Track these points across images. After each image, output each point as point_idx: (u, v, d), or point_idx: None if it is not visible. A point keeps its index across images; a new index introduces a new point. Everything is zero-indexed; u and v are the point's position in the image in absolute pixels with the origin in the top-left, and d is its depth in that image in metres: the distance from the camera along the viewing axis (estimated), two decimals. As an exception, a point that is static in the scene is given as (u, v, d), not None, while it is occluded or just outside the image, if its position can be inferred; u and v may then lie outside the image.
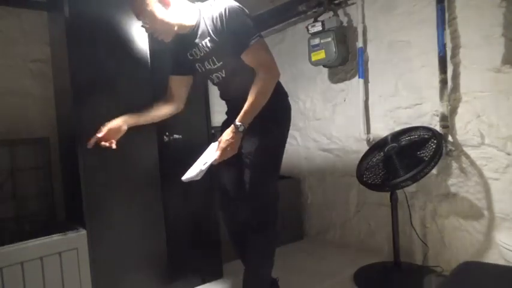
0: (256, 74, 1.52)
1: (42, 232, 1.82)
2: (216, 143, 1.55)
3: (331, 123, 2.89)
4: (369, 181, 2.13)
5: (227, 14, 1.48)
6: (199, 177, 1.50)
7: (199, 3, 1.59)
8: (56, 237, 1.65)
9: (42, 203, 1.96)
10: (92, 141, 1.57)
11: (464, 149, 2.11)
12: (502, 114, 1.97)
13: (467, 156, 2.10)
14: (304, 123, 3.12)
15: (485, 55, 1.99)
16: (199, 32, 1.56)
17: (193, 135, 2.12)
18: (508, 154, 1.96)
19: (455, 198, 2.18)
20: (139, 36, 1.96)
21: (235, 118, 1.52)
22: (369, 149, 2.37)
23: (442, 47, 2.08)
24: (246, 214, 1.66)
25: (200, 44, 1.57)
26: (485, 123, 2.03)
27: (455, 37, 2.10)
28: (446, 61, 2.10)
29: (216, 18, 1.50)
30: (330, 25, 2.59)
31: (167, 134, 2.06)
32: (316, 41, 2.63)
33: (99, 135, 1.56)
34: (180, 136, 2.10)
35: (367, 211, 2.68)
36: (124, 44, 1.93)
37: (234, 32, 1.49)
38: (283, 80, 3.23)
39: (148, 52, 1.99)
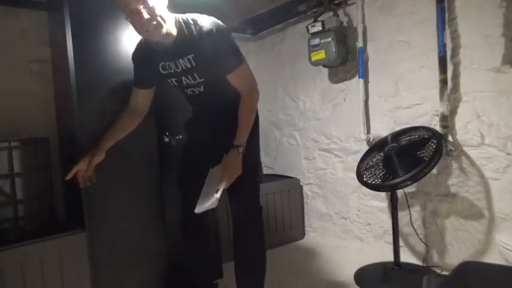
0: (240, 94, 1.58)
1: (42, 232, 1.82)
2: (216, 168, 1.61)
3: (331, 123, 2.89)
4: (369, 181, 2.13)
5: (216, 35, 1.48)
6: (215, 206, 1.53)
7: (179, 15, 1.55)
8: (56, 237, 1.65)
9: (42, 203, 1.96)
10: (71, 174, 1.58)
11: (464, 149, 2.11)
12: (502, 114, 1.97)
13: (467, 156, 2.11)
14: (304, 123, 3.12)
15: (485, 55, 1.99)
16: (180, 47, 1.53)
17: (193, 135, 2.12)
18: (508, 154, 1.96)
19: (455, 198, 2.18)
20: (139, 36, 1.95)
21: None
22: (368, 149, 2.37)
23: (442, 47, 2.08)
24: (237, 211, 1.72)
25: (180, 60, 1.55)
26: (485, 123, 2.03)
27: (455, 37, 2.10)
28: (446, 61, 2.10)
29: (203, 37, 1.48)
30: (330, 25, 2.59)
31: (167, 134, 2.06)
32: (316, 41, 2.63)
33: (77, 168, 1.58)
34: (180, 136, 2.10)
35: (367, 211, 2.68)
36: (124, 44, 1.93)
37: (222, 53, 1.50)
38: (283, 80, 3.27)
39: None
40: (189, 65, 1.56)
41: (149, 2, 1.40)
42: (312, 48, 2.67)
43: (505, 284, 1.12)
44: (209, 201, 1.52)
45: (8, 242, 1.75)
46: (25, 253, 1.57)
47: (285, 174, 3.21)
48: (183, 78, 1.61)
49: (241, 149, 1.55)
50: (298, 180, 3.10)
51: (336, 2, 2.68)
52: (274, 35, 3.29)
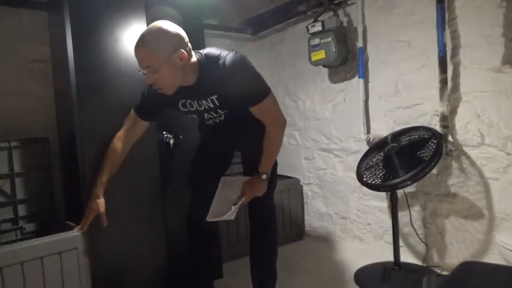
0: (264, 124, 1.56)
1: (42, 232, 1.82)
2: (229, 179, 1.72)
3: (331, 123, 2.89)
4: (369, 181, 2.13)
5: (239, 73, 1.43)
6: (232, 218, 1.61)
7: (203, 53, 1.51)
8: (56, 237, 1.65)
9: (42, 203, 1.96)
10: (85, 226, 1.67)
11: (464, 149, 2.11)
12: (502, 114, 1.97)
13: (467, 156, 2.11)
14: (304, 123, 3.12)
15: (485, 55, 1.99)
16: (203, 88, 1.51)
17: (194, 135, 2.12)
18: (508, 154, 1.96)
19: (455, 198, 2.18)
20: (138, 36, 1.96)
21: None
22: (369, 149, 2.37)
23: (442, 47, 2.08)
24: (255, 211, 1.82)
25: (203, 100, 1.54)
26: (485, 123, 2.03)
27: (455, 37, 2.10)
28: (446, 61, 2.09)
29: (226, 76, 1.43)
30: (330, 25, 2.59)
31: (167, 133, 2.06)
32: (316, 41, 2.63)
33: (88, 220, 1.66)
34: (181, 136, 2.10)
35: (367, 211, 2.68)
36: (124, 44, 1.93)
37: (246, 90, 1.47)
38: (283, 80, 3.26)
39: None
40: (212, 105, 1.56)
41: (159, 65, 1.36)
42: (312, 48, 2.67)
43: (505, 284, 1.12)
44: (226, 214, 1.58)
45: (8, 242, 1.76)
46: (25, 253, 1.57)
47: (285, 174, 3.21)
48: (205, 114, 1.62)
49: (264, 176, 1.61)
50: (298, 180, 3.10)
51: (336, 2, 2.68)
52: (274, 35, 3.29)
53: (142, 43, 1.38)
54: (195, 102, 1.57)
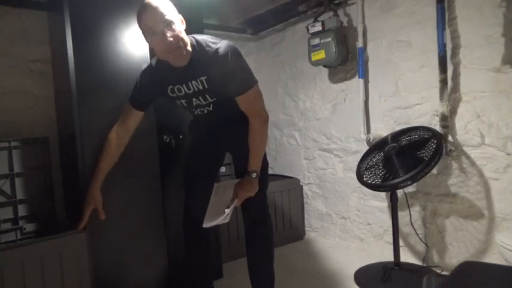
0: (248, 118, 1.59)
1: (42, 232, 1.82)
2: (223, 184, 1.72)
3: (331, 123, 2.89)
4: (369, 181, 2.13)
5: (231, 58, 1.47)
6: (227, 221, 1.60)
7: (194, 37, 1.55)
8: (56, 237, 1.65)
9: (42, 203, 1.96)
10: (83, 222, 1.65)
11: (464, 149, 2.11)
12: (502, 114, 1.97)
13: (467, 156, 2.11)
14: (304, 123, 3.12)
15: (485, 55, 1.99)
16: (194, 68, 1.53)
17: (193, 135, 2.12)
18: (508, 154, 1.96)
19: (455, 198, 2.18)
20: (138, 36, 1.96)
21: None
22: (368, 149, 2.37)
23: (442, 47, 2.08)
24: (249, 211, 1.81)
25: (193, 81, 1.56)
26: (485, 123, 2.03)
27: (455, 37, 2.10)
28: (446, 61, 2.10)
29: (218, 59, 1.47)
30: (330, 25, 2.59)
31: (167, 134, 2.06)
32: (316, 41, 2.63)
33: (86, 218, 1.65)
34: (181, 136, 2.10)
35: (367, 211, 2.69)
36: (124, 44, 1.93)
37: (234, 77, 1.50)
38: (283, 80, 3.26)
39: (148, 52, 1.99)
40: (201, 87, 1.57)
41: (174, 26, 1.42)
42: (312, 48, 2.67)
43: (505, 284, 1.12)
44: (220, 217, 1.57)
45: (8, 242, 1.76)
46: (25, 253, 1.57)
47: (285, 174, 3.21)
48: (194, 99, 1.62)
49: (254, 175, 1.61)
50: (298, 180, 3.10)
51: (336, 2, 2.68)
52: (274, 35, 3.29)
53: (153, 3, 1.41)
54: (184, 86, 1.59)
